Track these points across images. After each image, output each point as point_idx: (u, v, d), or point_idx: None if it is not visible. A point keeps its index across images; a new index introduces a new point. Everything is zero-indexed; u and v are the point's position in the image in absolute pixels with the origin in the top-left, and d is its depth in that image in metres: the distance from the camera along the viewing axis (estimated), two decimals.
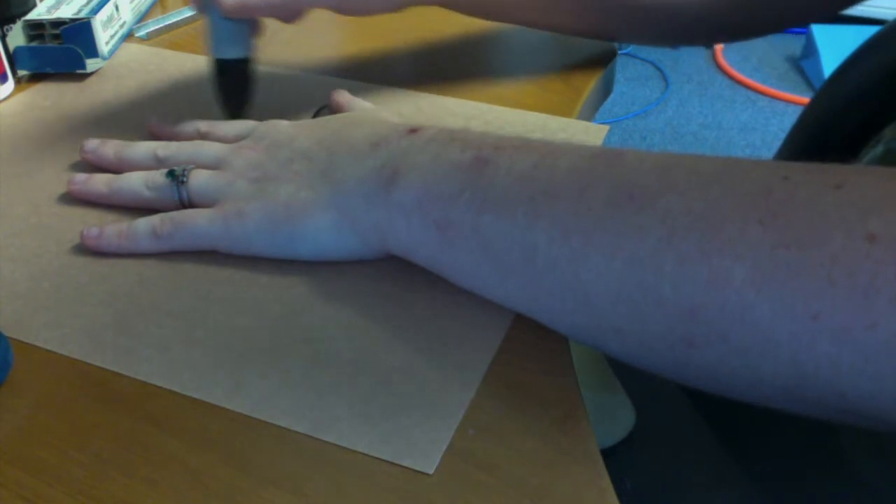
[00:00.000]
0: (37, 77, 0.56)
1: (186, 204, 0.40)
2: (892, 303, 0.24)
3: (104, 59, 0.57)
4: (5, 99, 0.54)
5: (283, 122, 0.43)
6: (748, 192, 0.27)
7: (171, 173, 0.40)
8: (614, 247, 0.29)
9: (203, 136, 0.45)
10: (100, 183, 0.42)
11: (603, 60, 0.58)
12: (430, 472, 0.29)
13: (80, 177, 0.43)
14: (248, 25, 0.47)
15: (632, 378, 0.49)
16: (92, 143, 0.45)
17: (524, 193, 0.32)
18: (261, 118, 0.44)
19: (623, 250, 0.29)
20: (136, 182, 0.41)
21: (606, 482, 0.28)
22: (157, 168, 0.42)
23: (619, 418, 0.47)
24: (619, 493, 0.28)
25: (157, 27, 0.63)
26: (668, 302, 0.28)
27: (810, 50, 2.32)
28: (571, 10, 0.53)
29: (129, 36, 0.62)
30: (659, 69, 2.42)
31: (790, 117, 2.06)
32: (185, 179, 0.40)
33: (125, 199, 0.42)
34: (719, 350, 0.27)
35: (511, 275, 0.33)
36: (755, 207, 0.27)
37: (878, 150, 0.46)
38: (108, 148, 0.45)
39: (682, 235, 0.28)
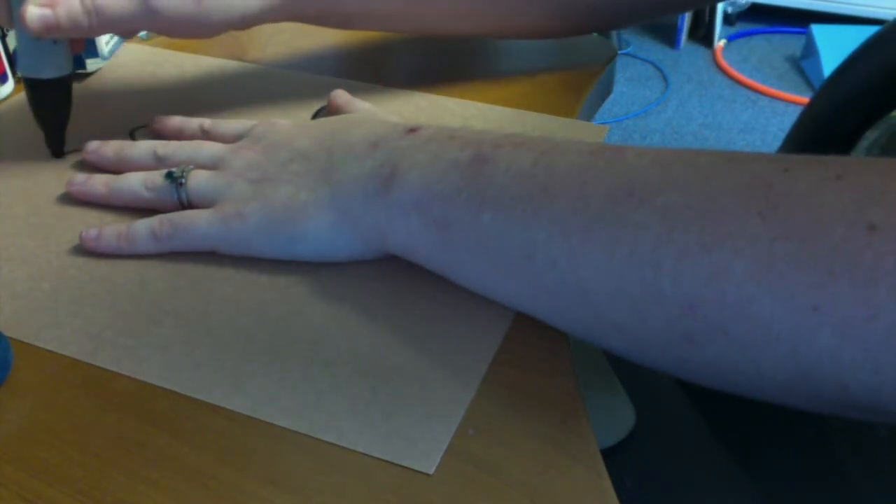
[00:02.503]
0: None
1: (186, 205, 0.40)
2: (893, 294, 0.24)
3: (104, 59, 0.57)
4: (5, 99, 0.54)
5: (283, 123, 0.43)
6: (748, 184, 0.27)
7: (169, 174, 0.40)
8: (614, 243, 0.29)
9: (204, 134, 0.45)
10: (99, 184, 0.42)
11: (603, 60, 0.58)
12: (430, 472, 0.29)
13: (80, 178, 0.43)
14: (63, 44, 0.44)
15: (632, 377, 0.49)
16: (93, 144, 0.45)
17: (523, 191, 0.32)
18: (260, 119, 0.44)
19: (622, 246, 0.29)
20: (135, 183, 0.41)
21: (606, 482, 0.28)
22: (156, 167, 0.42)
23: (619, 418, 0.47)
24: (619, 493, 0.28)
25: None
26: (668, 297, 0.28)
27: (810, 50, 2.32)
28: (467, 15, 0.51)
29: None
30: (659, 69, 2.42)
31: (790, 117, 2.06)
32: (183, 181, 0.40)
33: (124, 200, 0.42)
34: (720, 344, 0.27)
35: (511, 273, 0.33)
36: (755, 200, 0.27)
37: (876, 133, 0.46)
38: (109, 148, 0.45)
39: (682, 230, 0.28)
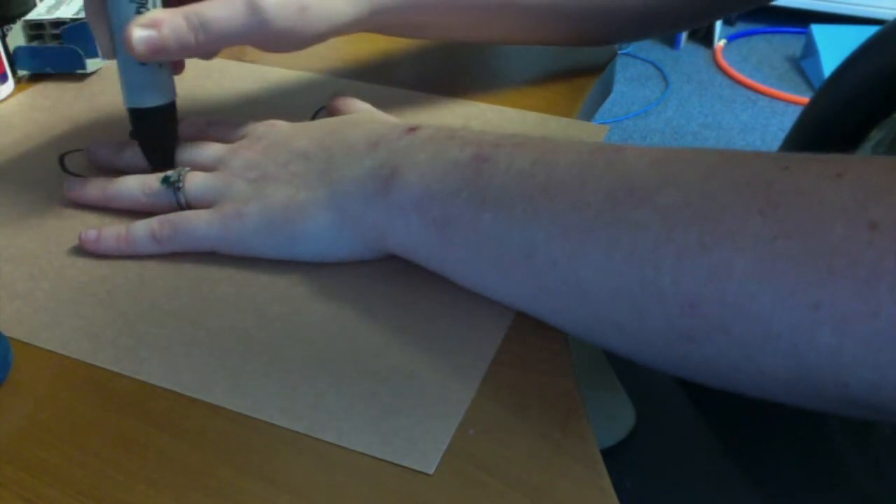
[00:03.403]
0: (37, 77, 0.57)
1: (185, 206, 0.40)
2: (894, 291, 0.24)
3: (104, 59, 0.57)
4: (5, 99, 0.54)
5: (282, 123, 0.43)
6: (748, 183, 0.27)
7: (166, 179, 0.40)
8: (614, 242, 0.29)
9: (203, 135, 0.45)
10: (96, 188, 0.42)
11: (603, 60, 0.58)
12: (430, 472, 0.29)
13: (77, 181, 0.43)
14: (166, 68, 0.42)
15: (632, 377, 0.49)
16: (95, 144, 0.45)
17: (523, 191, 0.32)
18: (260, 119, 0.44)
19: (622, 246, 0.29)
20: (132, 187, 0.41)
21: (606, 482, 0.28)
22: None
23: (619, 418, 0.47)
24: (619, 493, 0.28)
25: None
26: (669, 296, 0.28)
27: (810, 50, 2.32)
28: (511, 22, 0.51)
29: None
30: (659, 69, 2.42)
31: (790, 117, 2.06)
32: (181, 185, 0.40)
33: (122, 204, 0.42)
34: (720, 343, 0.27)
35: (511, 272, 0.33)
36: (755, 198, 0.27)
37: (882, 133, 0.46)
38: (109, 148, 0.45)
39: (682, 229, 0.28)
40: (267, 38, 0.40)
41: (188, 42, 0.39)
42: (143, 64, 0.40)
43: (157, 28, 0.38)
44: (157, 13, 0.39)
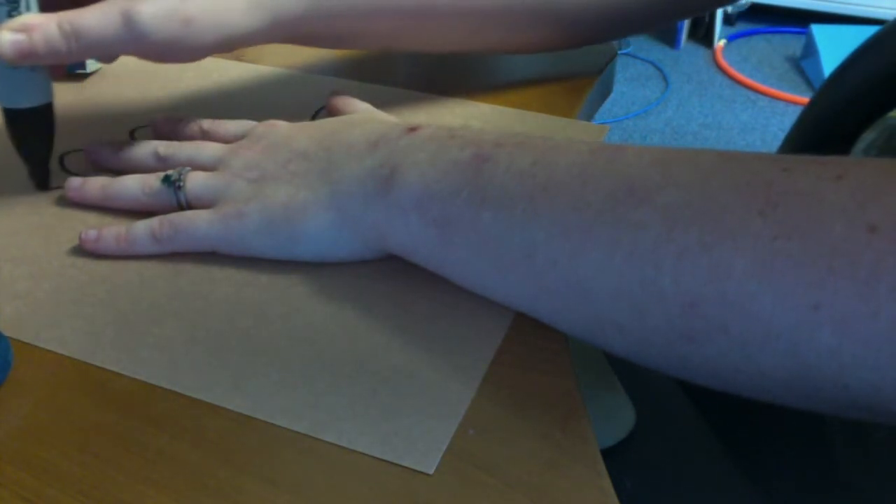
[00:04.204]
0: None
1: (185, 206, 0.40)
2: (893, 292, 0.24)
3: None
4: None
5: (282, 123, 0.43)
6: (748, 183, 0.27)
7: (166, 178, 0.40)
8: (614, 242, 0.29)
9: (203, 135, 0.45)
10: (96, 187, 0.42)
11: (603, 60, 0.58)
12: (430, 472, 0.29)
13: (76, 181, 0.42)
14: (42, 71, 0.41)
15: (632, 378, 0.49)
16: (94, 144, 0.45)
17: (524, 190, 0.32)
18: (260, 119, 0.44)
19: (623, 245, 0.29)
20: (132, 187, 0.41)
21: (606, 482, 0.28)
22: (156, 168, 0.42)
23: (619, 418, 0.47)
24: (619, 493, 0.28)
25: None
26: (669, 296, 0.28)
27: (810, 50, 2.32)
28: (467, 34, 0.49)
29: None
30: (659, 69, 2.42)
31: (790, 117, 2.06)
32: (181, 184, 0.40)
33: (122, 203, 0.41)
34: (720, 343, 0.27)
35: (511, 272, 0.33)
36: (755, 199, 0.27)
37: (874, 134, 0.46)
38: (109, 149, 0.45)
39: (682, 229, 0.28)
40: (147, 50, 0.40)
41: (59, 49, 0.38)
42: (15, 67, 0.39)
43: (28, 33, 0.38)
44: (30, 18, 0.38)
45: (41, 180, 0.44)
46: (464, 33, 0.49)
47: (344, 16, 0.44)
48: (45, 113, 0.42)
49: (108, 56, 0.41)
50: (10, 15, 0.39)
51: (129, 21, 0.38)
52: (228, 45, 0.42)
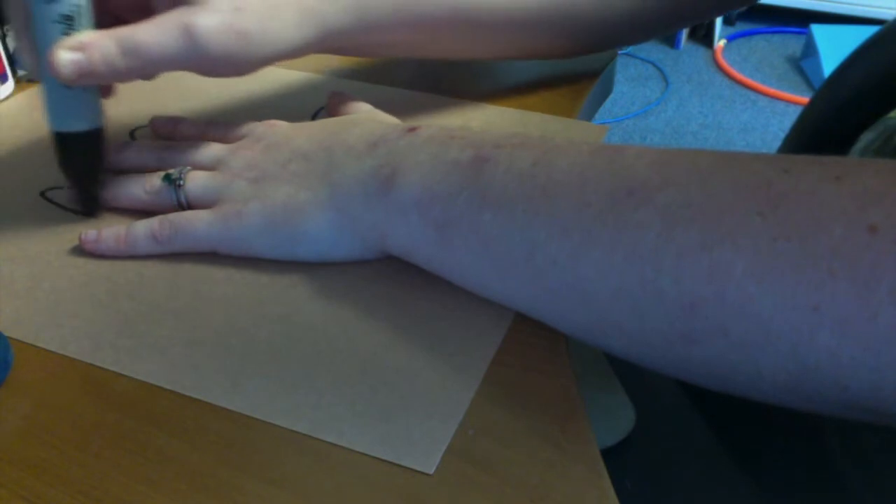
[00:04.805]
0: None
1: (185, 206, 0.40)
2: (893, 294, 0.24)
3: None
4: (5, 99, 0.54)
5: (282, 123, 0.43)
6: (748, 184, 0.27)
7: (167, 177, 0.40)
8: (614, 242, 0.29)
9: (203, 135, 0.45)
10: None
11: (603, 60, 0.58)
12: (430, 472, 0.29)
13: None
14: (94, 92, 0.40)
15: (632, 378, 0.49)
16: None
17: (524, 191, 0.32)
18: (260, 119, 0.44)
19: (623, 245, 0.29)
20: (133, 186, 0.41)
21: (606, 482, 0.28)
22: (156, 167, 0.42)
23: (619, 418, 0.47)
24: (619, 493, 0.28)
25: None
26: (668, 296, 0.28)
27: (810, 50, 2.32)
28: (467, 37, 0.49)
29: None
30: (659, 69, 2.42)
31: (790, 117, 2.06)
32: (181, 183, 0.40)
33: (122, 202, 0.42)
34: (719, 344, 0.27)
35: (511, 273, 0.33)
36: (755, 200, 0.27)
37: (871, 135, 0.46)
38: (109, 149, 0.45)
39: (682, 229, 0.28)
40: (204, 64, 0.38)
41: (118, 67, 0.37)
42: (70, 87, 0.38)
43: (85, 51, 0.36)
44: (86, 35, 0.37)
45: (90, 208, 0.42)
46: (500, 41, 0.50)
47: (389, 26, 0.44)
48: (97, 137, 0.40)
49: (164, 71, 0.39)
50: (65, 33, 0.37)
51: (188, 35, 0.37)
52: (279, 57, 0.41)
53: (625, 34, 0.53)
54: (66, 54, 0.36)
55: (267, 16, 0.39)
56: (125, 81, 0.39)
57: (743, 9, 0.54)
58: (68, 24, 0.37)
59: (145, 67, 0.37)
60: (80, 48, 0.36)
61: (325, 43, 0.42)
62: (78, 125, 0.39)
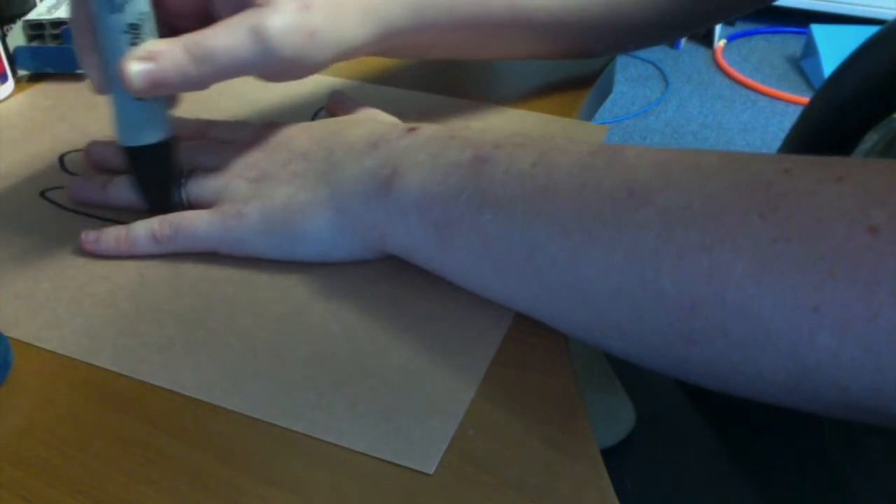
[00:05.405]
0: (37, 77, 0.57)
1: (185, 206, 0.40)
2: (894, 295, 0.24)
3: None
4: (5, 99, 0.54)
5: (282, 123, 0.43)
6: (748, 185, 0.27)
7: None
8: (614, 242, 0.29)
9: (203, 135, 0.45)
10: (96, 186, 0.42)
11: (603, 61, 0.58)
12: (430, 472, 0.29)
13: (77, 180, 0.43)
14: (163, 101, 0.39)
15: (632, 377, 0.49)
16: (94, 144, 0.45)
17: (524, 191, 0.32)
18: (260, 119, 0.44)
19: (623, 246, 0.29)
20: (133, 185, 0.41)
21: (606, 482, 0.28)
22: None
23: (619, 418, 0.47)
24: (619, 493, 0.28)
25: None
26: (669, 296, 0.28)
27: (810, 50, 2.32)
28: (516, 39, 0.49)
29: None
30: (659, 69, 2.42)
31: (790, 117, 2.06)
32: (183, 182, 0.40)
33: (123, 202, 0.41)
34: (719, 345, 0.27)
35: (511, 273, 0.33)
36: (755, 200, 0.27)
37: (876, 136, 0.46)
38: (109, 148, 0.45)
39: (683, 230, 0.28)
40: (274, 66, 0.37)
41: (190, 75, 0.36)
42: (139, 99, 0.37)
43: (156, 60, 0.35)
44: (155, 44, 0.36)
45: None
46: (544, 42, 0.50)
47: (443, 27, 0.44)
48: (169, 148, 0.39)
49: (231, 77, 0.37)
50: (132, 43, 0.36)
51: (260, 38, 0.36)
52: (343, 57, 0.40)
53: (656, 34, 0.53)
54: (138, 65, 0.35)
55: (332, 14, 0.38)
56: (197, 90, 0.37)
57: (750, 10, 0.54)
58: (135, 33, 0.36)
59: (217, 73, 0.36)
60: (150, 58, 0.35)
61: (383, 42, 0.42)
62: (150, 137, 0.38)
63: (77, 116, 0.52)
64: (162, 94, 0.37)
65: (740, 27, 2.63)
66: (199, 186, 0.40)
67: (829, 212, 0.25)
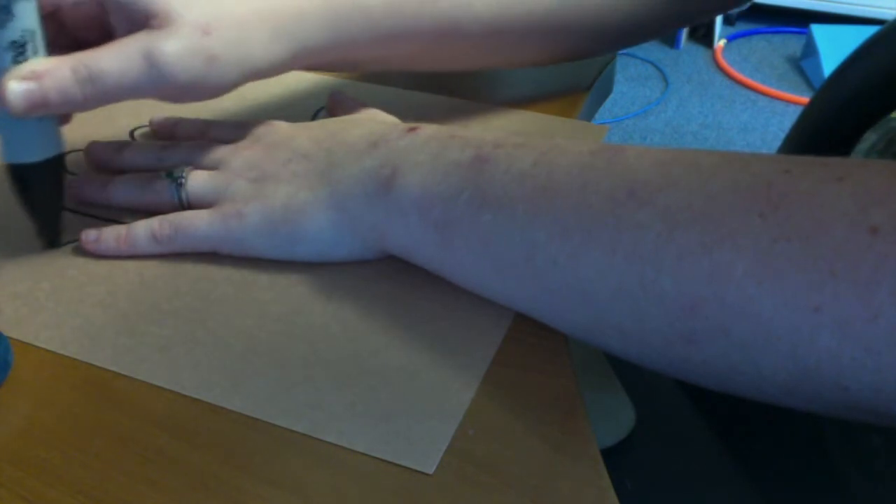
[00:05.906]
0: None
1: (185, 205, 0.40)
2: (894, 295, 0.24)
3: None
4: None
5: (282, 123, 0.43)
6: (749, 185, 0.27)
7: (169, 175, 0.40)
8: (614, 243, 0.29)
9: (203, 135, 0.45)
10: (97, 185, 0.42)
11: (603, 60, 0.58)
12: (430, 472, 0.29)
13: (77, 180, 0.42)
14: (51, 119, 0.37)
15: (632, 378, 0.49)
16: (94, 144, 0.45)
17: (524, 191, 0.32)
18: (260, 119, 0.44)
19: (623, 246, 0.29)
20: (134, 185, 0.41)
21: (606, 482, 0.28)
22: (157, 167, 0.42)
23: (619, 418, 0.47)
24: (619, 493, 0.28)
25: None
26: (669, 297, 0.28)
27: (810, 50, 2.32)
28: (454, 50, 0.48)
29: None
30: (659, 69, 2.42)
31: (790, 117, 2.06)
32: (183, 181, 0.40)
33: (122, 202, 0.41)
34: (720, 345, 0.27)
35: (511, 273, 0.33)
36: (756, 200, 0.27)
37: (875, 136, 0.46)
38: (109, 148, 0.45)
39: (683, 230, 0.28)
40: (169, 91, 0.37)
41: (74, 97, 0.35)
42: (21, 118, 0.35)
43: (39, 80, 0.34)
44: (39, 63, 0.35)
45: (51, 239, 0.39)
46: (483, 52, 0.48)
47: (365, 43, 0.43)
48: (55, 165, 0.38)
49: (121, 100, 0.36)
50: (15, 61, 0.34)
51: (152, 63, 0.35)
52: (251, 77, 0.39)
53: (623, 38, 0.52)
54: (16, 85, 0.34)
55: (236, 37, 0.37)
56: (83, 111, 0.36)
57: (744, 7, 0.54)
58: (19, 51, 0.34)
59: (104, 96, 0.35)
60: (32, 77, 0.34)
61: (303, 60, 0.41)
62: (32, 156, 0.37)
63: (76, 116, 0.52)
64: (44, 114, 0.35)
65: (740, 27, 2.63)
66: (200, 186, 0.40)
67: (830, 212, 0.25)
